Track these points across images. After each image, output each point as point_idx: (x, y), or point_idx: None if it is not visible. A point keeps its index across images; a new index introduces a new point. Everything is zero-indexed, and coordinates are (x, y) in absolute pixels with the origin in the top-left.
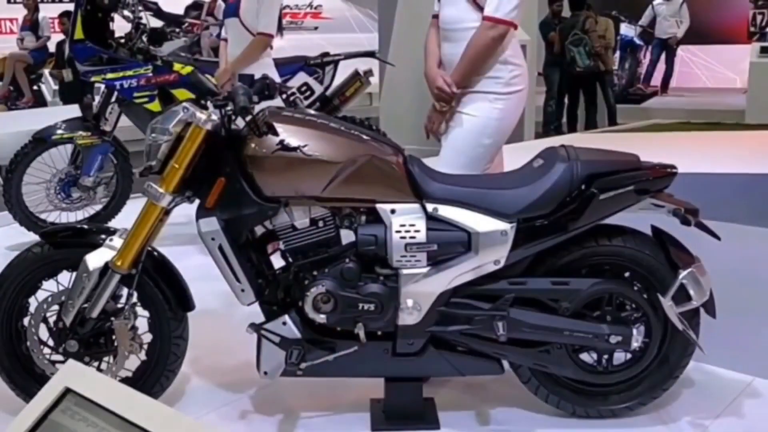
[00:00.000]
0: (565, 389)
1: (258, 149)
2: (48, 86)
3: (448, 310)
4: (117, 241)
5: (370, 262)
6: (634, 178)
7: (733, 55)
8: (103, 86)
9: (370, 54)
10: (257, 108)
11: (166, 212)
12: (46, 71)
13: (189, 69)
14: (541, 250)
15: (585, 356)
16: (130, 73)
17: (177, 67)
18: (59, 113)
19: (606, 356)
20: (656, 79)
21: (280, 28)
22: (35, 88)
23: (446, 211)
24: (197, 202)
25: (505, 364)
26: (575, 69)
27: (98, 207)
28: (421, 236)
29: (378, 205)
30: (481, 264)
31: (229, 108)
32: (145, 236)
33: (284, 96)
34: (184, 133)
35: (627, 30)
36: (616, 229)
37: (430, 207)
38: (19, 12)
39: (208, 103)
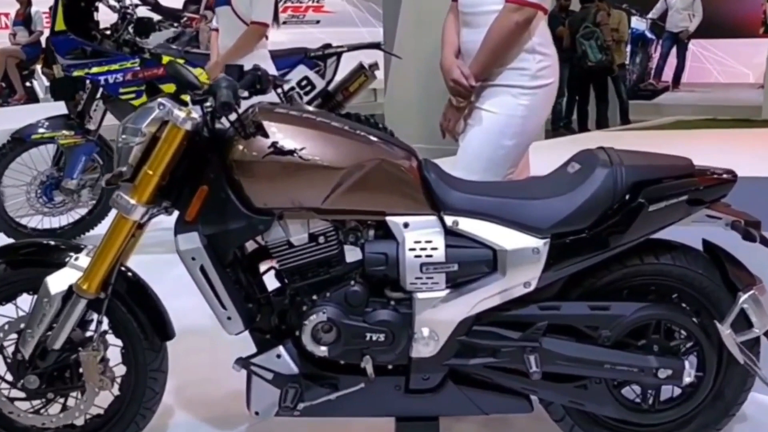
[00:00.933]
0: (604, 429)
1: (246, 153)
2: (40, 83)
3: (469, 340)
4: (83, 260)
5: (379, 284)
6: (688, 186)
7: (745, 50)
8: (87, 82)
9: (375, 45)
10: (247, 104)
11: (140, 226)
12: (39, 67)
13: (167, 58)
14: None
15: (627, 391)
16: (115, 66)
17: (166, 60)
18: (51, 110)
19: (652, 392)
20: (666, 75)
21: (276, 18)
22: (28, 84)
23: (468, 225)
24: (176, 214)
25: (534, 399)
26: (586, 63)
27: (83, 211)
28: (439, 254)
29: (388, 218)
30: (508, 287)
31: (208, 104)
32: (115, 254)
33: (280, 90)
34: (160, 133)
35: (638, 23)
36: (663, 244)
37: (449, 220)
38: (12, 6)
39: (188, 99)
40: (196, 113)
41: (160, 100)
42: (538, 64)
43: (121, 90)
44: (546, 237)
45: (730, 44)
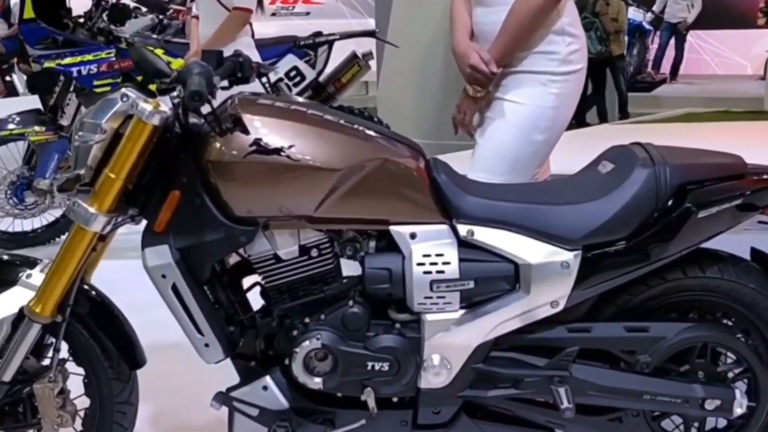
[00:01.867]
0: None
1: (225, 152)
2: (20, 77)
3: (487, 369)
4: (36, 278)
5: (381, 304)
6: (740, 189)
7: (743, 41)
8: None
9: (370, 33)
10: (226, 94)
11: (102, 238)
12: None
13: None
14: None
15: (667, 423)
16: (89, 57)
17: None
18: (31, 105)
19: (697, 425)
20: (664, 66)
21: (261, 3)
22: (8, 78)
23: (485, 235)
24: (144, 223)
25: None
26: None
27: (58, 212)
28: (452, 269)
29: (392, 228)
30: (533, 306)
31: (176, 93)
32: (74, 271)
33: (266, 80)
34: (124, 129)
35: (635, 14)
36: (708, 255)
37: (463, 229)
38: None
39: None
40: (165, 106)
41: (123, 90)
42: (568, 47)
43: (96, 82)
44: (577, 249)
45: (727, 35)
